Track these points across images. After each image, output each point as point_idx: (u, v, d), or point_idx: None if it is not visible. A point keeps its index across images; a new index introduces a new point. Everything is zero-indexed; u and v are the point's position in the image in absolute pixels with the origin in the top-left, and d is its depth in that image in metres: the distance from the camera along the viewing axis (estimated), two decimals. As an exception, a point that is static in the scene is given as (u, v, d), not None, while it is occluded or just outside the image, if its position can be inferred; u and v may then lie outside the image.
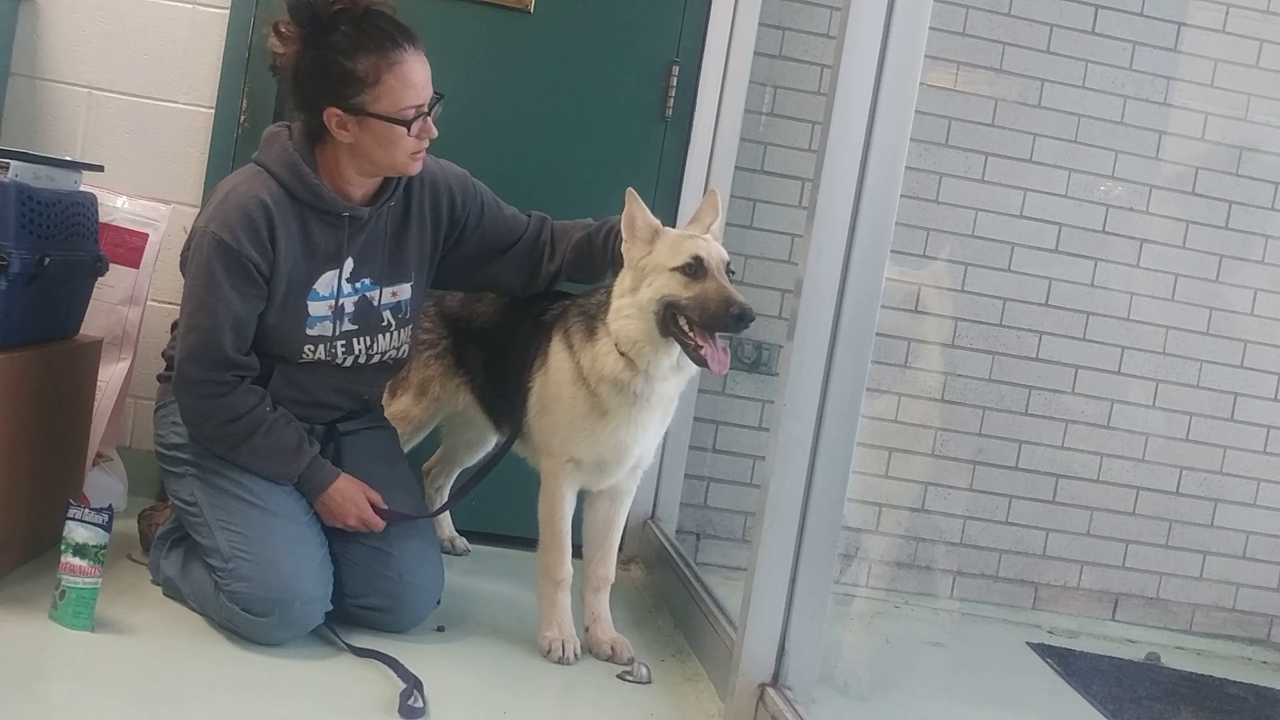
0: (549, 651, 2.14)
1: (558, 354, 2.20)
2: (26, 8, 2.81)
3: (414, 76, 2.03)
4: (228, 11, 2.85)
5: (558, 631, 2.16)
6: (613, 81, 2.97)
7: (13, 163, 2.13)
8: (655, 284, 2.04)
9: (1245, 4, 3.36)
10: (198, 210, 2.20)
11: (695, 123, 2.99)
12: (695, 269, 2.03)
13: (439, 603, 2.22)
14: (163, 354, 2.25)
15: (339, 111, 2.02)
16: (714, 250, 2.08)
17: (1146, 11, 3.33)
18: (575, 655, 2.14)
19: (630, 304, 2.07)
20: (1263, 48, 3.39)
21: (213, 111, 2.86)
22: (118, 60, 2.85)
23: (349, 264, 2.14)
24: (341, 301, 2.14)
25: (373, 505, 2.14)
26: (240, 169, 2.15)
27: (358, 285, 2.16)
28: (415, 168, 2.12)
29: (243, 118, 2.84)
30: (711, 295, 2.00)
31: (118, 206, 2.60)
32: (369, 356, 2.21)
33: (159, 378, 2.25)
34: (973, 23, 3.28)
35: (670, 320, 2.03)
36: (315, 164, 2.08)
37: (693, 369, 2.14)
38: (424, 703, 1.82)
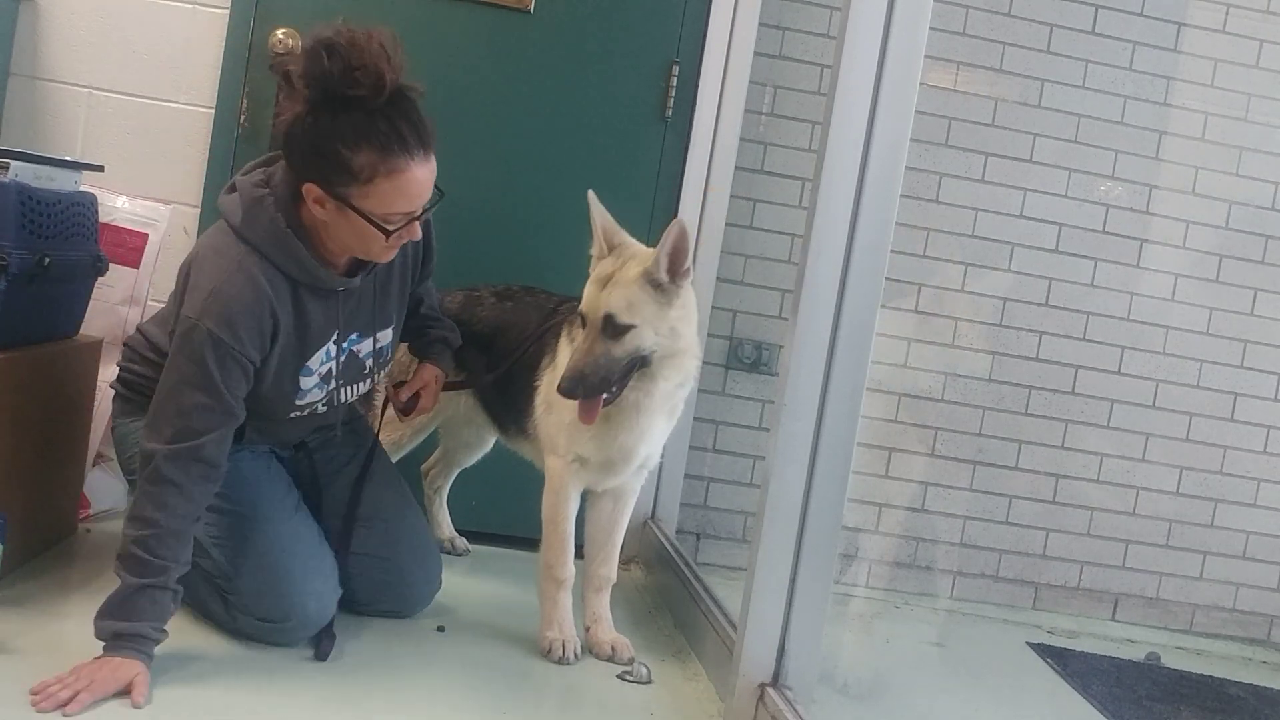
0: (549, 651, 2.14)
1: (566, 351, 2.20)
2: (26, 8, 2.81)
3: (411, 188, 1.85)
4: (228, 11, 2.85)
5: (558, 631, 2.16)
6: (613, 81, 2.97)
7: (13, 163, 2.13)
8: None
9: (1245, 4, 3.36)
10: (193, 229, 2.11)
11: (695, 123, 2.99)
12: (582, 323, 2.06)
13: (440, 584, 2.28)
14: (120, 365, 2.15)
15: (319, 191, 1.84)
16: (595, 303, 2.02)
17: (1146, 11, 3.33)
18: (576, 655, 2.14)
19: None
20: (1263, 48, 3.39)
21: (213, 111, 2.86)
22: (118, 60, 2.85)
23: (338, 331, 2.04)
24: (329, 365, 2.04)
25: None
26: (221, 240, 1.90)
27: (345, 344, 2.06)
28: (387, 258, 1.98)
29: (243, 118, 2.84)
30: (571, 357, 2.03)
31: (118, 206, 2.60)
32: (346, 400, 2.16)
33: (116, 393, 2.14)
34: (973, 23, 3.28)
35: None
36: (301, 228, 1.92)
37: (694, 374, 2.15)
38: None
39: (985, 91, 3.32)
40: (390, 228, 1.87)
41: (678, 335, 2.06)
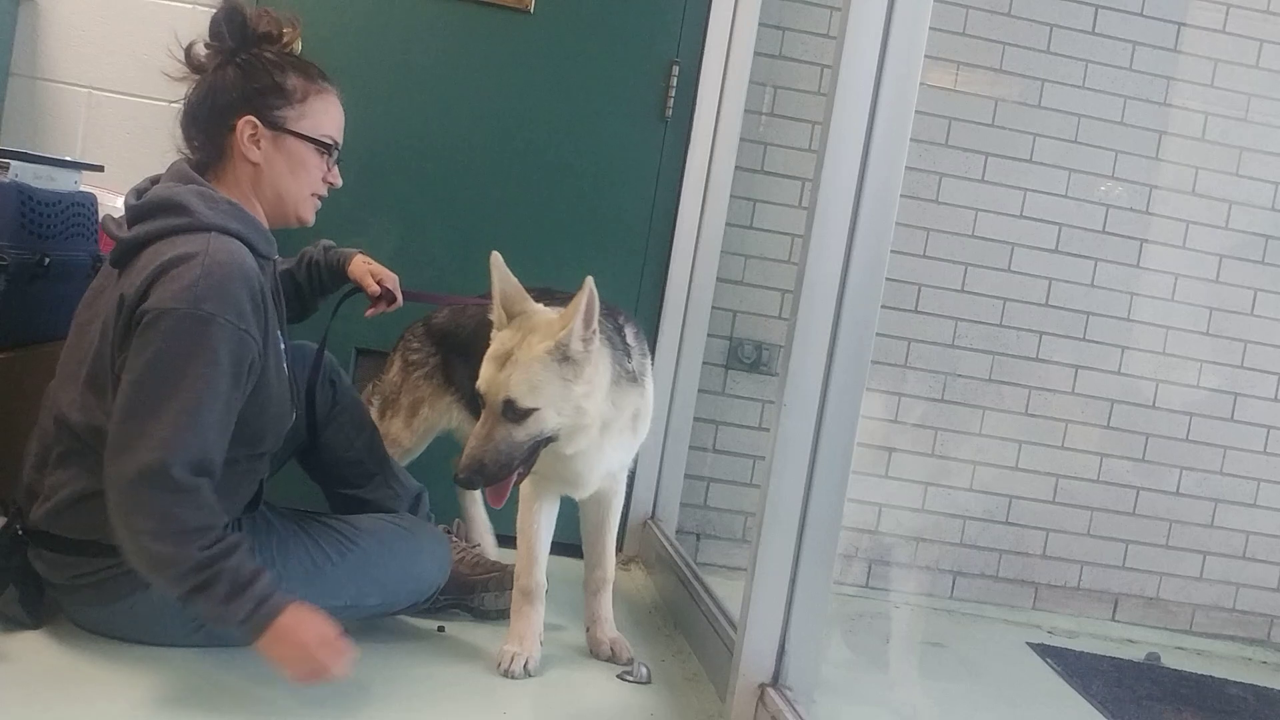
0: (499, 663, 2.04)
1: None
2: (26, 8, 2.81)
3: (336, 111, 1.94)
4: (228, 11, 2.85)
5: (517, 645, 2.07)
6: (613, 81, 2.97)
7: (13, 163, 2.13)
8: None
9: (1245, 4, 3.37)
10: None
11: (695, 123, 3.00)
12: (481, 402, 1.90)
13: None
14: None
15: (255, 121, 1.85)
16: (494, 386, 1.87)
17: (1146, 11, 3.34)
18: (529, 672, 2.04)
19: None
20: (1263, 48, 3.39)
21: (213, 111, 2.86)
22: (118, 60, 2.85)
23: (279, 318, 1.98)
24: (286, 362, 1.97)
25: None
26: (183, 237, 1.75)
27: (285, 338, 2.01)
28: (308, 213, 1.96)
29: (243, 118, 2.84)
30: (468, 443, 1.88)
31: (118, 206, 2.60)
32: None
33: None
34: (973, 23, 3.28)
35: None
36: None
37: (637, 388, 2.08)
38: None
39: (985, 91, 3.32)
40: (327, 144, 1.92)
41: (582, 412, 1.91)
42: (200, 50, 1.89)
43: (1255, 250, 3.44)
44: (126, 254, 1.79)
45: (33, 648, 1.84)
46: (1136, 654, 3.24)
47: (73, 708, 1.68)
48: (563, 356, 1.86)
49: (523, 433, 1.86)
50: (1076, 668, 2.97)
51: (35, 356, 2.17)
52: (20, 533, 1.83)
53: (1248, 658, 3.43)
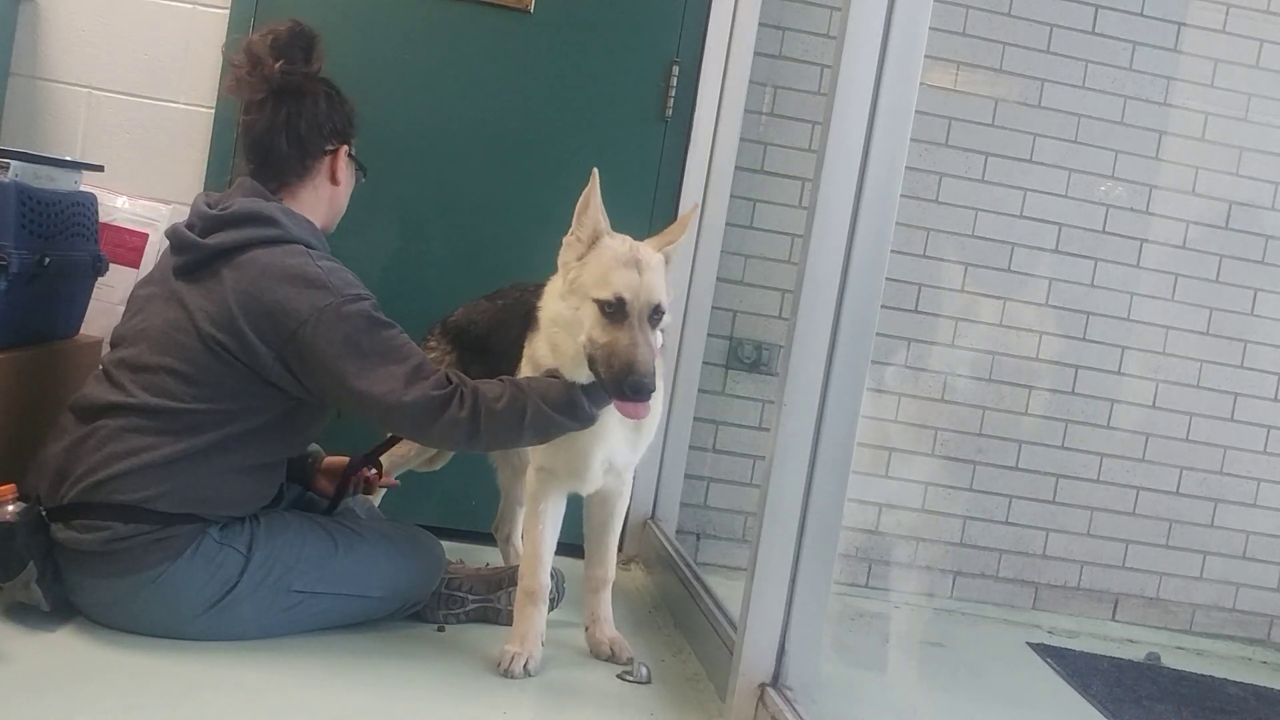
0: (500, 663, 2.03)
1: (527, 350, 2.14)
2: (26, 8, 2.81)
3: None
4: (228, 11, 2.85)
5: (518, 645, 2.06)
6: (613, 81, 2.97)
7: (13, 163, 2.13)
8: (580, 312, 1.92)
9: (1245, 4, 3.37)
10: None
11: (695, 123, 3.00)
12: (615, 311, 1.88)
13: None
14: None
15: (346, 150, 2.11)
16: (643, 290, 1.89)
17: (1146, 11, 3.34)
18: (528, 671, 2.04)
19: (561, 322, 1.97)
20: (1263, 48, 3.39)
21: (213, 111, 2.86)
22: (118, 60, 2.85)
23: None
24: None
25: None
26: (276, 251, 1.93)
27: None
28: None
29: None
30: (619, 353, 1.85)
31: (118, 206, 2.61)
32: None
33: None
34: (973, 23, 3.28)
35: (590, 358, 1.91)
36: None
37: None
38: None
39: (985, 91, 3.32)
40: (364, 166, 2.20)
41: (665, 331, 2.03)
42: (271, 66, 2.00)
43: (1255, 250, 3.44)
44: (210, 259, 1.93)
45: (33, 648, 1.84)
46: (1136, 654, 3.25)
47: (73, 708, 1.68)
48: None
49: (655, 339, 1.92)
50: (1076, 668, 2.97)
51: (35, 356, 2.17)
52: (43, 514, 1.88)
53: (1248, 658, 3.43)
